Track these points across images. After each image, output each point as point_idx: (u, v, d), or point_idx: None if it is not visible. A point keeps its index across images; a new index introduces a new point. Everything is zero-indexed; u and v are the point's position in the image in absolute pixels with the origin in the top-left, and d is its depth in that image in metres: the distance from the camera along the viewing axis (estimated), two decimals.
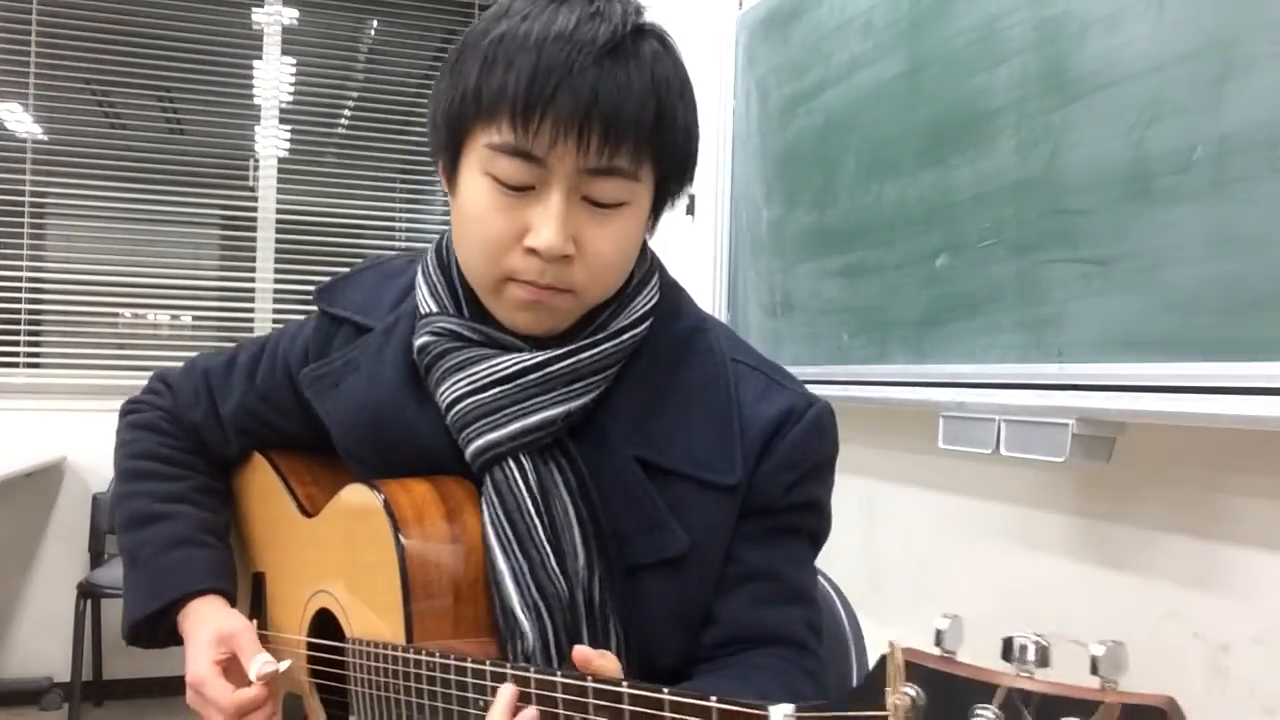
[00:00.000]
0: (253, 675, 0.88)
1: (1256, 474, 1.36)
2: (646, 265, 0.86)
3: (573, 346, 0.79)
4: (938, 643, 0.46)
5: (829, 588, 1.09)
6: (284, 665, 0.89)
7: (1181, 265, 1.31)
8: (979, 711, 0.43)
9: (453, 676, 0.72)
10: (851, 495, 2.21)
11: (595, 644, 0.78)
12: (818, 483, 0.85)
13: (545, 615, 0.78)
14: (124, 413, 1.06)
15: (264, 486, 1.03)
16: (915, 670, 0.45)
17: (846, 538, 2.24)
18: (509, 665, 0.68)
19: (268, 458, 1.03)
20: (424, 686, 0.75)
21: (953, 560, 1.95)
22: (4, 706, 3.10)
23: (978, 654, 0.48)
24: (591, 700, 0.63)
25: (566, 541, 0.79)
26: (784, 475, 0.81)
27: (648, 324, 0.83)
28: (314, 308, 0.97)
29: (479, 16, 0.79)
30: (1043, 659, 0.43)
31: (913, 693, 0.45)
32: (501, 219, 0.75)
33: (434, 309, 0.84)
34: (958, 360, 1.75)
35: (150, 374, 1.08)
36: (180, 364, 1.07)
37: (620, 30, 0.73)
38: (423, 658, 0.75)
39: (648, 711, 0.59)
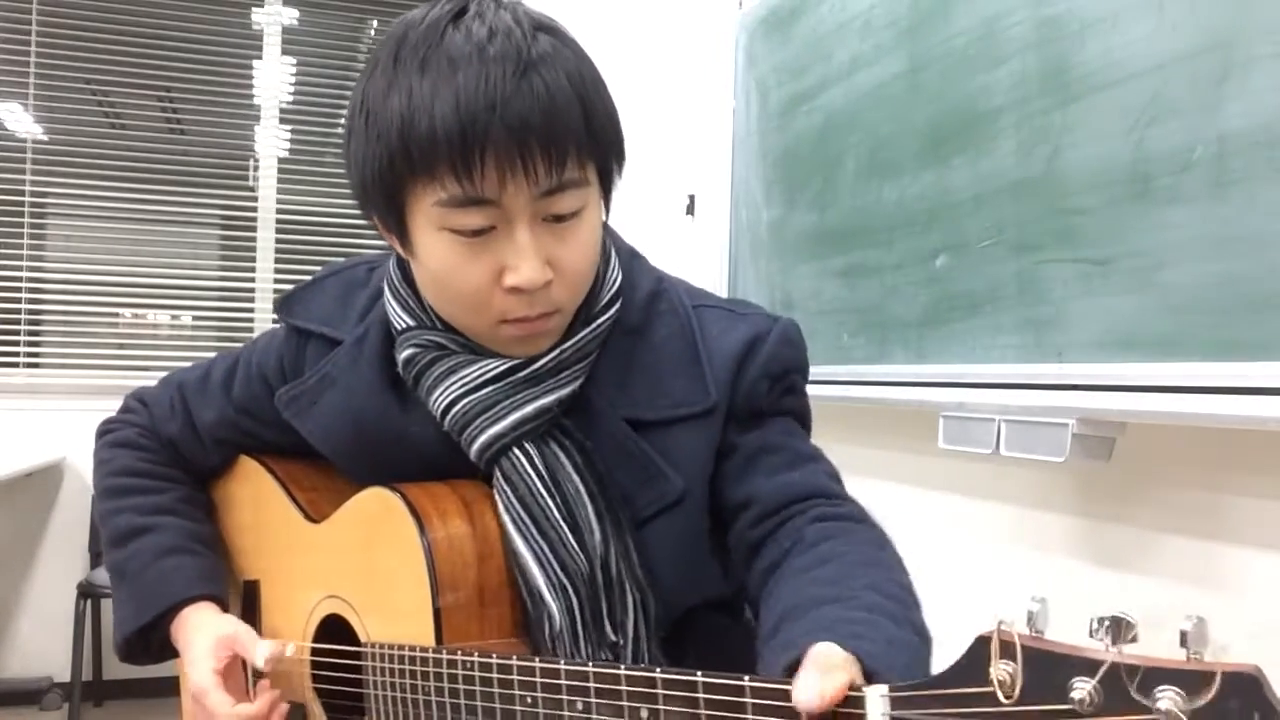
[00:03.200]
0: (259, 663, 0.88)
1: (1256, 474, 1.36)
2: (604, 245, 0.86)
3: (553, 345, 0.81)
4: (1029, 623, 0.48)
5: None
6: (290, 649, 0.90)
7: (1181, 265, 1.31)
8: (1078, 685, 0.45)
9: (495, 675, 0.72)
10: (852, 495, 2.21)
11: (614, 613, 0.81)
12: (794, 377, 0.88)
13: (570, 592, 0.80)
14: (101, 433, 1.06)
15: (259, 493, 1.02)
16: (1013, 648, 0.47)
17: None
18: (563, 661, 0.68)
19: (264, 465, 1.02)
20: (460, 686, 0.75)
21: (953, 560, 1.95)
22: (4, 706, 3.10)
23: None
24: (661, 691, 0.63)
25: (581, 518, 0.81)
26: (763, 383, 0.84)
27: (619, 303, 0.85)
28: None
29: (369, 66, 0.77)
30: (1130, 636, 0.45)
31: (1012, 669, 0.47)
32: (474, 268, 0.74)
33: (410, 323, 0.84)
34: (958, 360, 1.75)
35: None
36: (153, 381, 1.07)
37: (522, 41, 0.71)
38: (459, 658, 0.75)
39: (726, 698, 0.59)
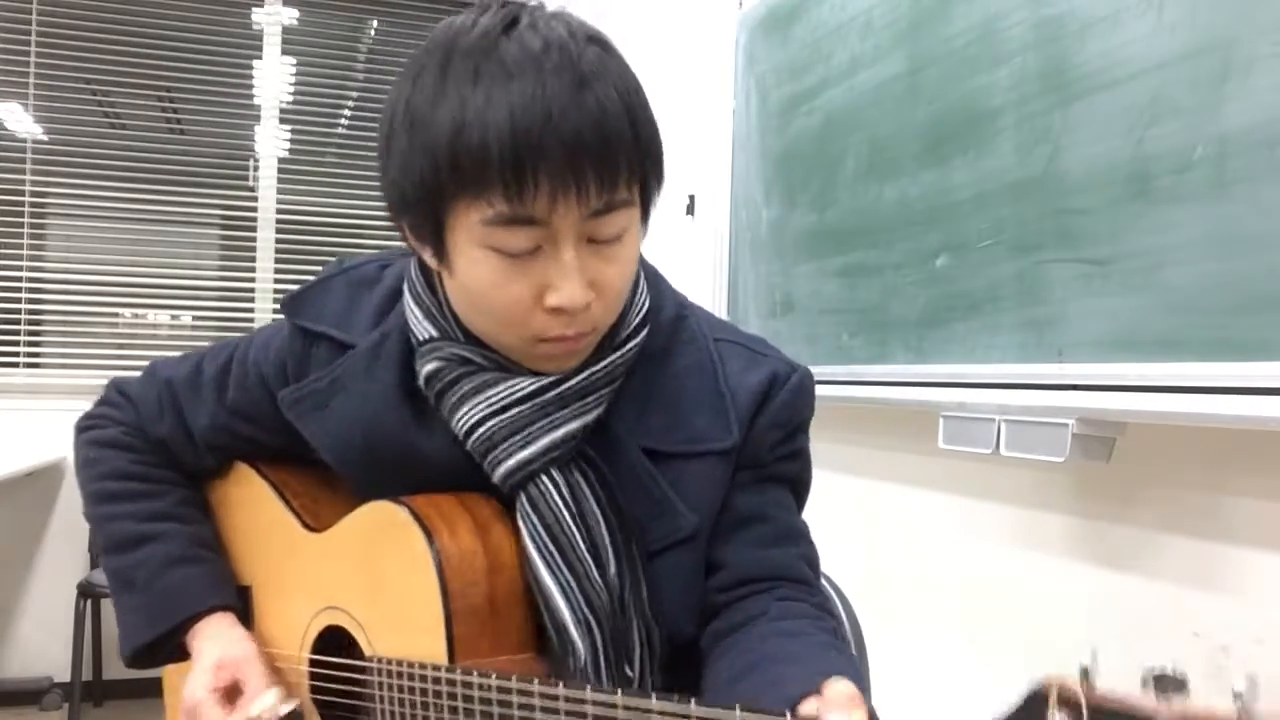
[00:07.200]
0: (253, 712, 0.86)
1: (1256, 474, 1.36)
2: None
3: (583, 364, 0.80)
4: (1084, 676, 0.47)
5: (829, 588, 1.09)
6: (288, 708, 0.88)
7: (1181, 265, 1.31)
8: None
9: (514, 698, 0.70)
10: (851, 495, 2.21)
11: (629, 644, 0.80)
12: (800, 436, 0.89)
13: (595, 627, 0.79)
14: (81, 428, 1.01)
15: (252, 498, 1.00)
16: (1070, 702, 0.47)
17: (847, 538, 2.23)
18: (589, 689, 0.66)
19: (256, 469, 1.00)
20: (476, 708, 0.73)
21: (952, 560, 1.95)
22: (4, 706, 3.10)
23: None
24: None
25: (603, 550, 0.80)
26: (773, 434, 0.86)
27: (647, 328, 0.84)
28: None
29: (412, 70, 0.74)
30: (1180, 688, 0.45)
31: None
32: (516, 288, 0.73)
33: (434, 334, 0.82)
34: (958, 360, 1.75)
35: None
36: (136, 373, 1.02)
37: (577, 54, 0.70)
38: (475, 679, 0.73)
39: None
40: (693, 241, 2.92)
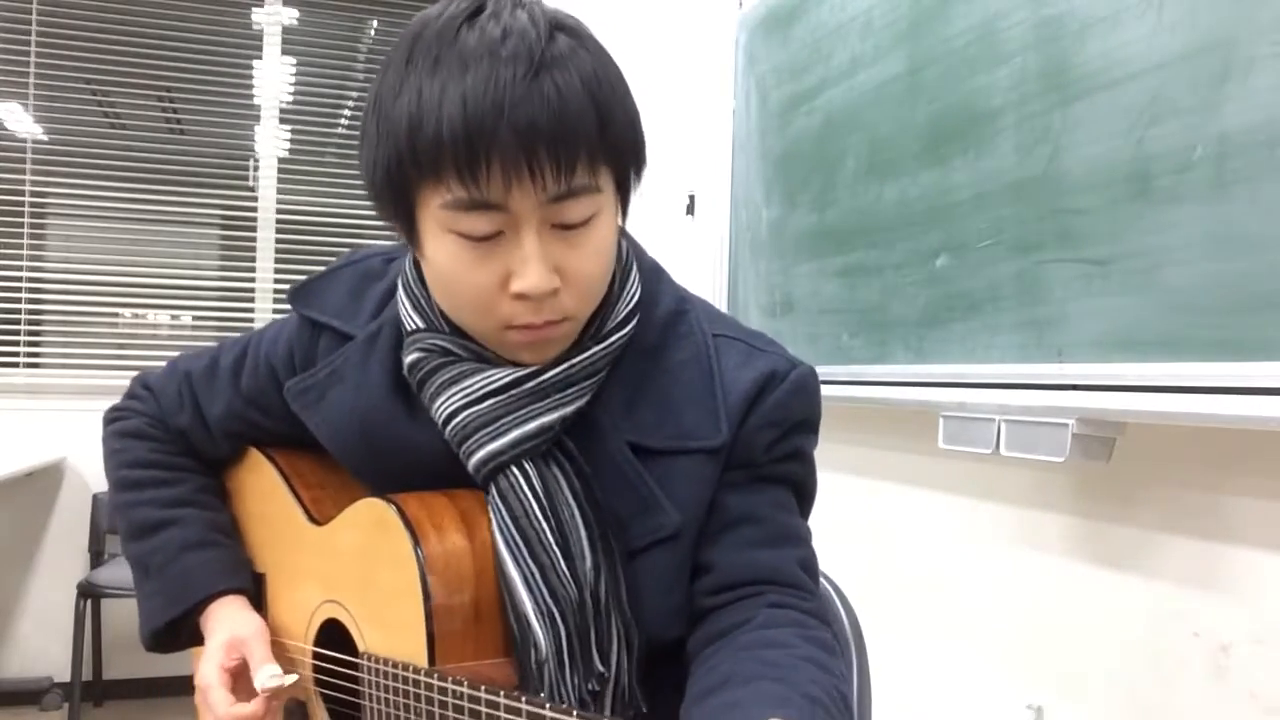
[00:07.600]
0: (257, 686, 0.87)
1: (1256, 474, 1.36)
2: (624, 258, 0.85)
3: (562, 355, 0.79)
4: None
5: (829, 588, 1.09)
6: (289, 680, 0.89)
7: (1181, 265, 1.31)
8: None
9: (483, 709, 0.71)
10: (851, 495, 2.21)
11: (601, 642, 0.79)
12: (801, 438, 0.85)
13: (559, 620, 0.78)
14: (108, 420, 1.04)
15: (265, 487, 1.02)
16: None
17: (847, 538, 2.23)
18: (548, 708, 0.66)
19: (270, 458, 1.02)
20: (450, 715, 0.74)
21: (953, 560, 1.95)
22: (4, 706, 3.10)
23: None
24: None
25: (574, 543, 0.79)
26: (767, 433, 0.82)
27: (634, 322, 0.83)
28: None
29: (385, 61, 0.75)
30: None
31: None
32: (480, 273, 0.73)
33: (420, 325, 0.83)
34: (958, 360, 1.75)
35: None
36: (160, 366, 1.05)
37: (536, 42, 0.70)
38: (449, 685, 0.73)
39: None
40: (693, 241, 2.92)
